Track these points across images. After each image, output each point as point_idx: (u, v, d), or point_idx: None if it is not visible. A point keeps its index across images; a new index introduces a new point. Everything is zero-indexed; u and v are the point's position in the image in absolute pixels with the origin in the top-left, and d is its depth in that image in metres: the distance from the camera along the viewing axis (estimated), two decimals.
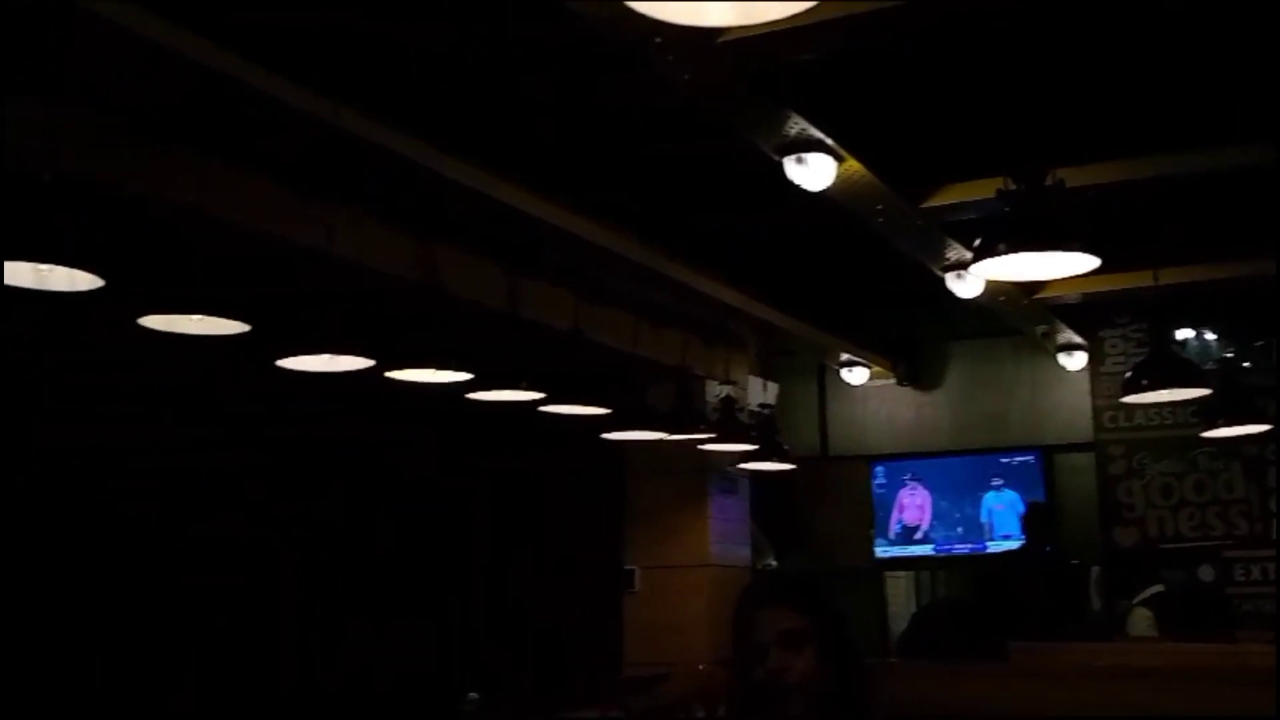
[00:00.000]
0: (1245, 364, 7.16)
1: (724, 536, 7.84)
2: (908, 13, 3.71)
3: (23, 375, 6.43)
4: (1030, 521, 7.35)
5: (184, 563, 8.72)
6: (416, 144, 4.45)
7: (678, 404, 6.46)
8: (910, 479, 8.59)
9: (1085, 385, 8.13)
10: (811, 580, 2.39)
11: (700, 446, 6.90)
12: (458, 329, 5.02)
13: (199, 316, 3.96)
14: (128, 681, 8.48)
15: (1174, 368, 5.70)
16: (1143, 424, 7.92)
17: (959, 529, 8.43)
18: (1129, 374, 5.83)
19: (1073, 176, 4.12)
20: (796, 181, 4.74)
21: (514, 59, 4.48)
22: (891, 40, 4.11)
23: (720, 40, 3.71)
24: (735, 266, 6.87)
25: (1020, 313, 7.25)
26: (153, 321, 3.99)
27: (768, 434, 7.12)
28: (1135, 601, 6.82)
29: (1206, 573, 7.57)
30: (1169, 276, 6.10)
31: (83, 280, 3.48)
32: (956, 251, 5.99)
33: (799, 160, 4.67)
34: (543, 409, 5.76)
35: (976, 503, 8.38)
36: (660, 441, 6.51)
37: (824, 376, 8.87)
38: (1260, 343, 7.46)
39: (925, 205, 5.49)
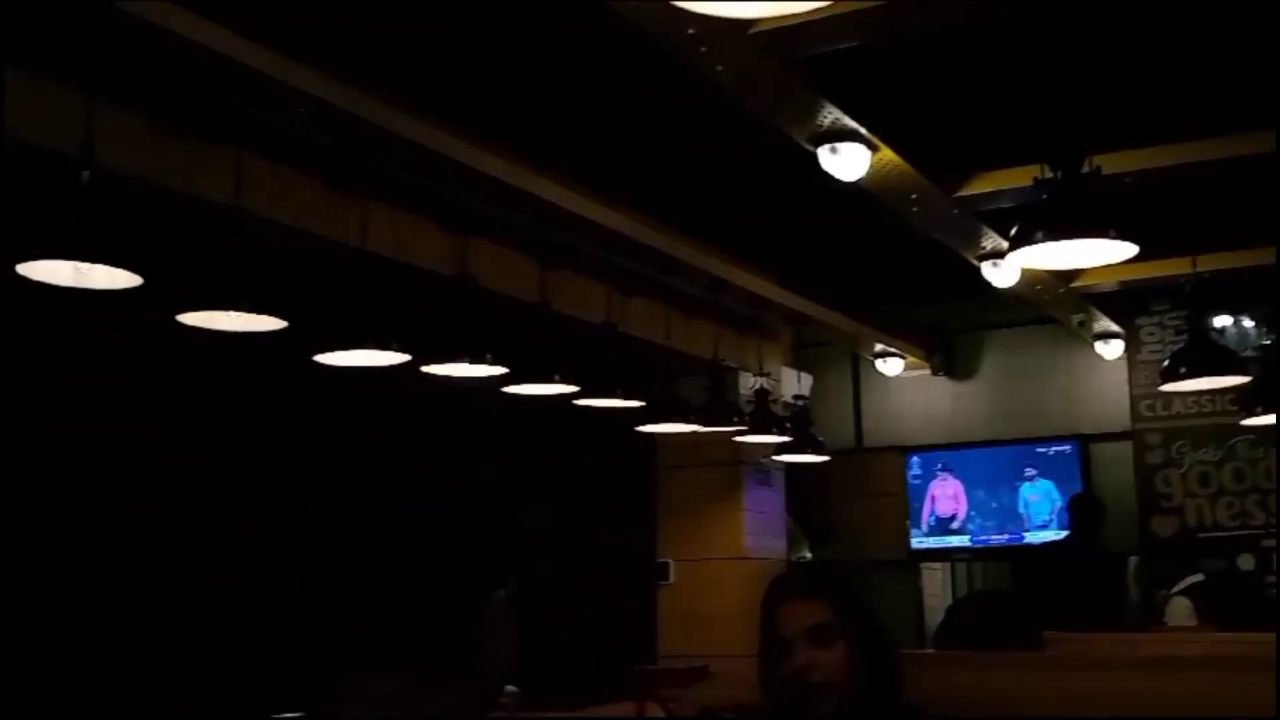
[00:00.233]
0: None
1: (759, 529, 7.83)
2: (933, 4, 3.70)
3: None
4: (1076, 513, 7.31)
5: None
6: (450, 138, 4.47)
7: (711, 396, 6.46)
8: (941, 469, 8.55)
9: (1122, 374, 8.06)
10: (839, 573, 2.34)
11: (734, 439, 6.90)
12: (491, 323, 5.03)
13: (236, 314, 3.97)
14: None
15: (1213, 355, 5.65)
16: (1181, 412, 7.85)
17: (995, 520, 8.39)
18: (1167, 362, 5.79)
19: (1110, 162, 4.09)
20: (830, 172, 4.72)
21: (548, 54, 4.49)
22: (921, 30, 4.09)
23: (753, 31, 3.70)
24: (769, 257, 6.87)
25: (1056, 301, 7.20)
26: (190, 319, 4.02)
27: (802, 426, 7.11)
28: (1174, 591, 6.77)
29: (1246, 561, 7.52)
30: (1207, 263, 6.05)
31: (122, 278, 3.51)
32: (992, 240, 5.95)
33: (833, 150, 4.65)
34: (576, 402, 5.78)
35: (1013, 493, 8.33)
36: (694, 434, 6.51)
37: (858, 368, 8.84)
38: None
39: (960, 194, 5.46)
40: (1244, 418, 6.50)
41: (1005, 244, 4.97)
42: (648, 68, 4.20)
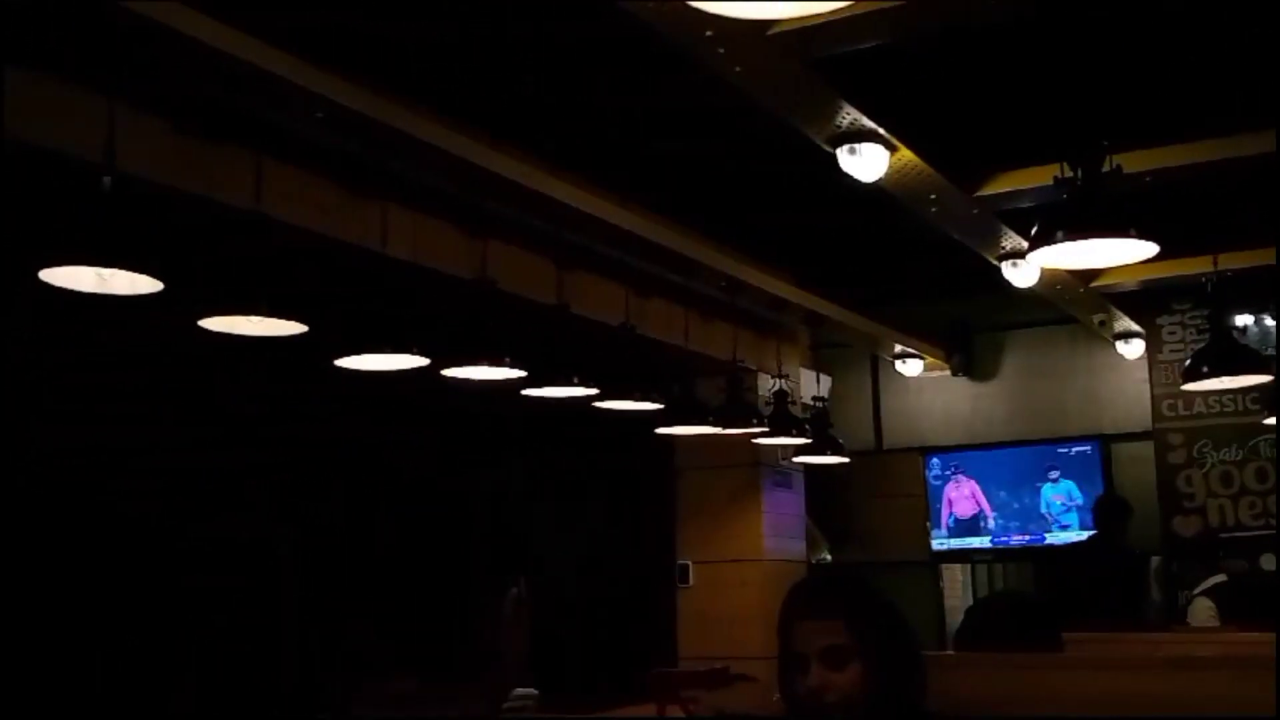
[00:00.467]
0: None
1: (778, 530, 7.82)
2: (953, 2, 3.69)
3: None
4: (1102, 514, 7.28)
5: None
6: (467, 141, 4.48)
7: (729, 398, 6.45)
8: (954, 472, 8.53)
9: (1143, 373, 8.03)
10: (858, 585, 2.29)
11: (753, 440, 6.89)
12: (510, 325, 5.03)
13: (256, 318, 3.98)
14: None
15: (1234, 354, 5.63)
16: (1202, 412, 7.81)
17: (1017, 520, 8.37)
18: (1189, 361, 5.77)
19: (1130, 161, 4.08)
20: (849, 172, 4.72)
21: (564, 56, 4.49)
22: (941, 29, 4.08)
23: (771, 33, 3.70)
24: (787, 258, 6.86)
25: (1076, 301, 7.18)
26: (211, 324, 4.03)
27: (821, 427, 7.10)
28: (1197, 592, 6.75)
29: (1269, 561, 7.47)
30: (1228, 261, 6.02)
31: (144, 284, 3.53)
32: (1012, 240, 5.94)
33: (851, 151, 4.65)
34: (595, 405, 5.77)
35: (1035, 494, 8.30)
36: (713, 435, 6.50)
37: (878, 369, 8.82)
38: None
39: (979, 194, 5.45)
40: (1266, 417, 6.47)
41: (1025, 244, 4.96)
42: (664, 69, 4.21)
